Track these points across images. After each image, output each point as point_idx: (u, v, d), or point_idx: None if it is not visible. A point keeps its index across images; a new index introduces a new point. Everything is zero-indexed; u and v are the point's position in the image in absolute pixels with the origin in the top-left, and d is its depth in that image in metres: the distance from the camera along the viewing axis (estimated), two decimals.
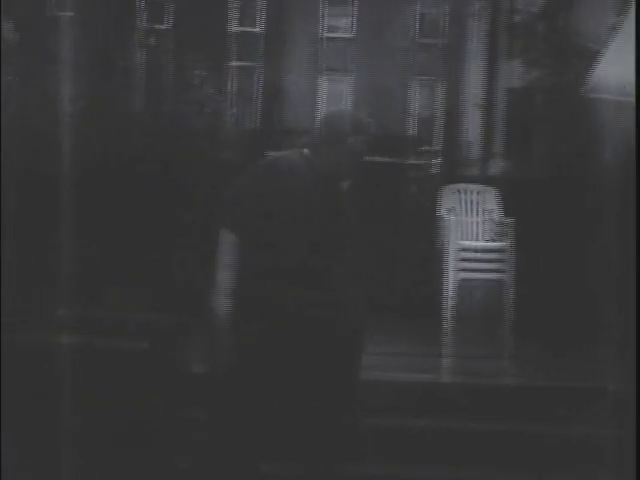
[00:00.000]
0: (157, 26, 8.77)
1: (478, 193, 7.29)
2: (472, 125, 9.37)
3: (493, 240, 7.06)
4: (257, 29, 10.12)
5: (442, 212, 7.10)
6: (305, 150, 3.92)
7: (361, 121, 3.91)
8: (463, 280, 6.84)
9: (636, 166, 4.55)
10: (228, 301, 3.73)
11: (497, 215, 7.15)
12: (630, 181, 5.32)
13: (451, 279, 6.76)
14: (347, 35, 10.73)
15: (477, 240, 7.13)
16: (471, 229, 7.19)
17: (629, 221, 5.74)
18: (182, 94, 7.70)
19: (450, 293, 6.74)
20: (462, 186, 7.35)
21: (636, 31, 4.68)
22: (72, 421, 4.38)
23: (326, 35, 10.75)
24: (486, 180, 7.78)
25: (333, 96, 10.58)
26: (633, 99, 5.05)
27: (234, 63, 9.71)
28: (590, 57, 5.71)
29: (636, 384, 4.19)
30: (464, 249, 6.85)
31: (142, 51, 8.59)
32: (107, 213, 5.85)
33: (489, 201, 7.25)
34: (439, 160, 9.13)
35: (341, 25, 10.72)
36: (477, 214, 7.23)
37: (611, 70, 5.38)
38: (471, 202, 7.25)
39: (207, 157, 6.81)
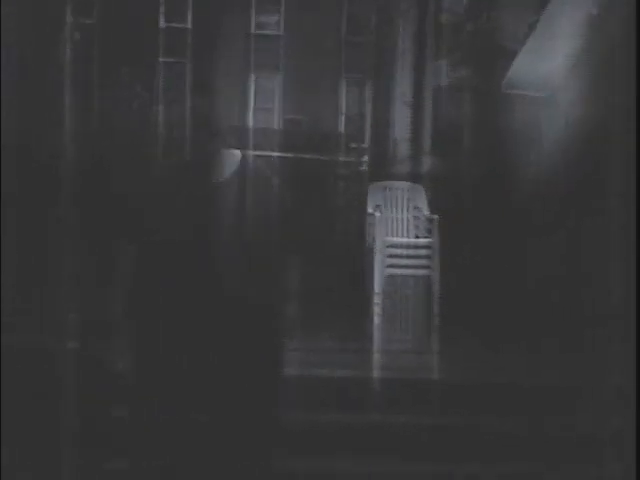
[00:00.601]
0: (83, 20, 8.66)
1: (405, 190, 7.35)
2: (400, 123, 9.45)
3: (419, 237, 7.13)
4: (186, 25, 10.07)
5: (370, 209, 7.15)
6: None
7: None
8: (390, 276, 6.90)
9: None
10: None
11: (425, 212, 7.22)
12: (549, 174, 5.43)
13: (378, 275, 6.82)
14: (276, 32, 10.74)
15: (405, 236, 7.20)
16: (398, 226, 7.25)
17: (555, 216, 5.86)
18: (109, 90, 7.63)
19: (377, 289, 6.80)
20: (390, 183, 7.41)
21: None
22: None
23: (256, 32, 10.74)
24: (414, 177, 7.85)
25: (262, 93, 10.58)
26: (549, 94, 5.16)
27: (162, 59, 9.64)
28: (511, 55, 5.83)
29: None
30: (391, 245, 6.91)
31: (68, 46, 8.49)
32: (26, 209, 5.76)
33: (417, 198, 7.31)
34: (368, 157, 9.19)
35: (271, 22, 10.73)
36: (405, 211, 7.30)
37: (530, 67, 5.47)
38: (399, 199, 7.32)
39: (134, 154, 6.75)
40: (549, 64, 5.30)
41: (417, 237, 7.16)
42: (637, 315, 4.45)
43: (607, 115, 5.18)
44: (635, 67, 4.81)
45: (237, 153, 3.90)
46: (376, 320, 6.77)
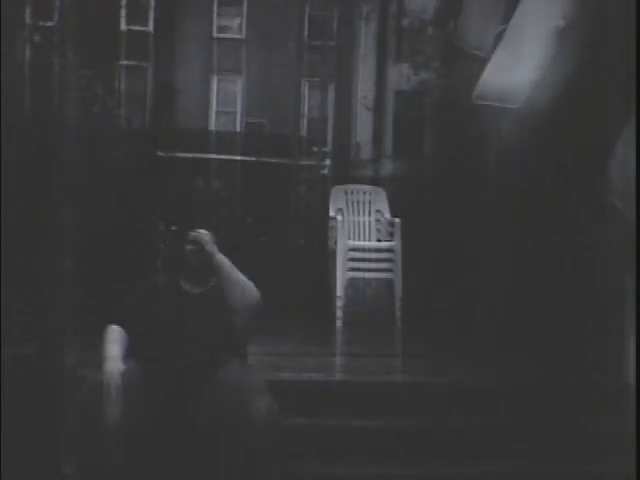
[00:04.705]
0: (43, 23, 8.61)
1: (367, 193, 7.38)
2: (362, 126, 9.49)
3: (381, 240, 7.16)
4: (148, 28, 10.04)
5: (332, 212, 7.17)
6: None
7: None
8: (352, 279, 6.92)
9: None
10: None
11: (387, 215, 7.25)
12: (510, 178, 5.47)
13: (340, 278, 6.83)
14: (238, 36, 10.75)
15: (367, 240, 7.22)
16: (360, 229, 7.28)
17: (515, 219, 5.91)
18: (70, 93, 7.58)
19: (339, 292, 6.81)
20: (351, 186, 7.44)
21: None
22: None
23: (217, 36, 10.74)
24: (376, 180, 7.88)
25: (224, 96, 10.57)
26: (517, 106, 5.18)
27: (124, 62, 9.61)
28: (476, 63, 5.86)
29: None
30: (353, 249, 6.93)
31: (28, 48, 8.43)
32: None
33: (379, 201, 7.34)
34: (329, 161, 9.22)
35: (233, 26, 10.73)
36: (366, 214, 7.32)
37: (496, 78, 5.49)
38: (360, 202, 7.34)
39: (95, 158, 6.72)
40: (518, 75, 5.33)
41: (379, 240, 7.19)
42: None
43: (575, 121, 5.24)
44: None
45: None
46: (338, 323, 6.78)
